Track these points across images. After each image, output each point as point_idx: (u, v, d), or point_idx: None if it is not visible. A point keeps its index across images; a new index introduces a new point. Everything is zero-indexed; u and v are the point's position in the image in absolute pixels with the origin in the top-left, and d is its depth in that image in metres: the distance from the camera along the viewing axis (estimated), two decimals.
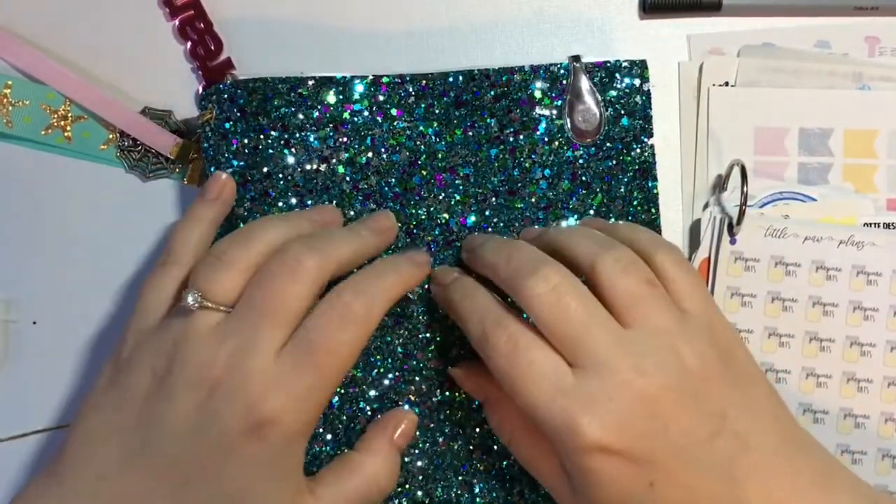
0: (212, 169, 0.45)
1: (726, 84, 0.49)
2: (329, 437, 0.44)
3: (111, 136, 0.48)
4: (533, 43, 0.49)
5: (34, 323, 0.48)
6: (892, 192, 0.48)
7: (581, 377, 0.36)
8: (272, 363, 0.37)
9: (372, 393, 0.44)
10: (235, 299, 0.38)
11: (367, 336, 0.39)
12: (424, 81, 0.45)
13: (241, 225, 0.44)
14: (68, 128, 0.48)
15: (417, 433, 0.44)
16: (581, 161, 0.46)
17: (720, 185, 0.48)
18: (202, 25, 0.48)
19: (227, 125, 0.45)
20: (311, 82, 0.45)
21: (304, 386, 0.37)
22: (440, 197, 0.45)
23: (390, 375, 0.44)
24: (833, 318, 0.47)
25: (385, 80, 0.45)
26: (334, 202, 0.45)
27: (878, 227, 0.48)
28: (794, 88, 0.48)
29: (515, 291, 0.38)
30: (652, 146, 0.46)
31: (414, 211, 0.45)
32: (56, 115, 0.48)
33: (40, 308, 0.49)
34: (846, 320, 0.47)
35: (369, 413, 0.44)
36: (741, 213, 0.46)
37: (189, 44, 0.48)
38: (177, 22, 0.49)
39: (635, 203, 0.46)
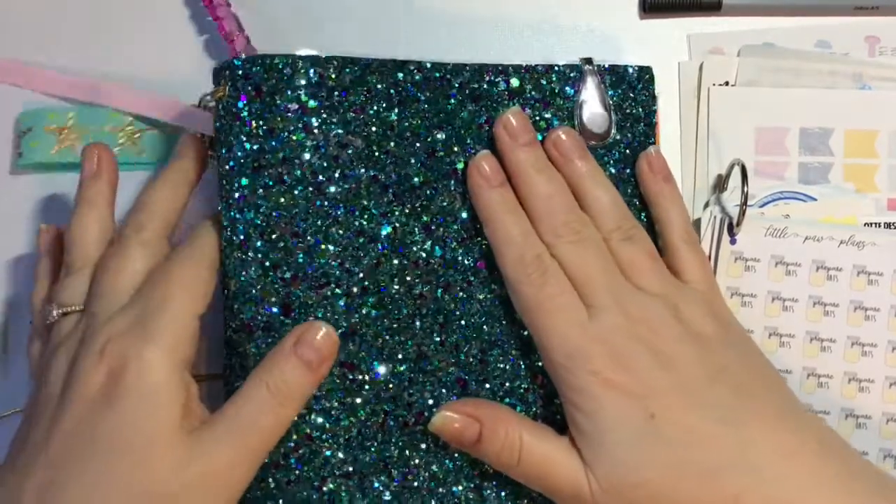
0: (223, 151, 0.42)
1: (726, 84, 0.49)
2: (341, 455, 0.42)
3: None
4: (533, 43, 0.49)
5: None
6: (893, 192, 0.48)
7: (594, 316, 0.40)
8: (117, 313, 0.39)
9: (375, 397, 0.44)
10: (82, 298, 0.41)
11: (157, 249, 0.42)
12: (440, 73, 0.45)
13: (250, 214, 0.42)
14: (138, 142, 0.49)
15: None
16: None
17: (720, 184, 0.48)
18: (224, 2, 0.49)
19: (240, 104, 0.42)
20: (333, 62, 0.43)
21: (151, 308, 0.39)
22: (452, 189, 0.44)
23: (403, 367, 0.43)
24: (834, 318, 0.47)
25: (402, 65, 0.44)
26: (350, 190, 0.43)
27: (879, 226, 0.48)
28: (795, 88, 0.48)
29: (547, 228, 0.42)
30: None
31: (429, 203, 0.44)
32: (123, 134, 0.49)
33: None
34: (847, 320, 0.47)
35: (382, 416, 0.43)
36: (741, 213, 0.46)
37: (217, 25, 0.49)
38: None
39: (639, 205, 0.46)
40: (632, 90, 0.46)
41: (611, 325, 0.40)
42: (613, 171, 0.46)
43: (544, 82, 0.46)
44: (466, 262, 0.44)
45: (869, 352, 0.47)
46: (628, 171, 0.46)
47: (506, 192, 0.43)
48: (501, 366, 0.44)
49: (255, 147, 0.42)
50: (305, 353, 0.39)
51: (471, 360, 0.44)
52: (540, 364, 0.43)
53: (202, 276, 0.41)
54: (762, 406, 0.39)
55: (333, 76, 0.43)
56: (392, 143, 0.44)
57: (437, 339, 0.43)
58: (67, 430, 0.37)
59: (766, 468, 0.37)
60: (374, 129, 0.44)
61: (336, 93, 0.43)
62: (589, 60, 0.46)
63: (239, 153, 0.42)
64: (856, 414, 0.46)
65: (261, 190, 0.42)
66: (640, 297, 0.41)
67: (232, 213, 0.42)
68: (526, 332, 0.43)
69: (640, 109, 0.46)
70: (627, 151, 0.46)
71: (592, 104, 0.46)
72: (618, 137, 0.46)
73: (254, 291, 0.41)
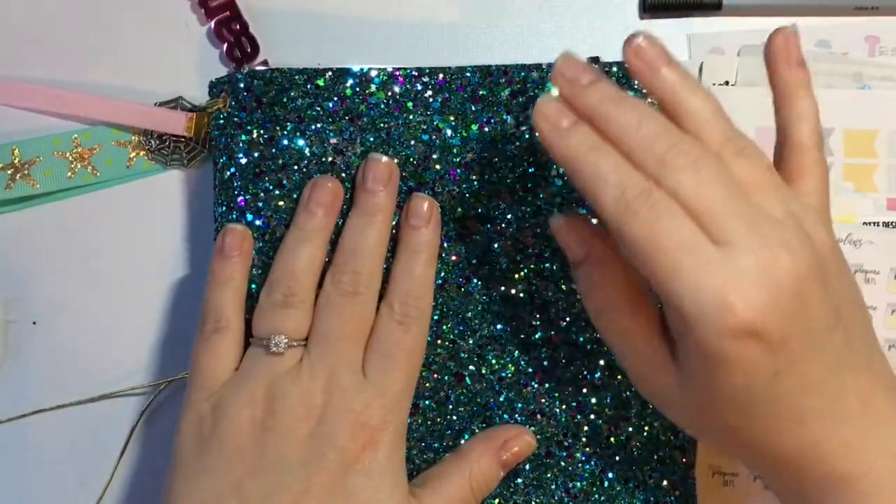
0: (223, 159, 0.45)
1: (726, 84, 0.49)
2: None
3: (132, 154, 0.48)
4: (533, 43, 0.49)
5: (34, 323, 0.48)
6: (892, 192, 0.48)
7: (728, 252, 0.34)
8: (363, 378, 0.41)
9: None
10: (307, 332, 0.42)
11: (427, 325, 0.43)
12: (441, 75, 0.45)
13: (250, 217, 0.44)
14: (89, 163, 0.48)
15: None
16: None
17: None
18: (238, 27, 0.49)
19: (242, 115, 0.45)
20: (328, 74, 0.45)
21: (397, 389, 0.41)
22: (454, 192, 0.45)
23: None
24: None
25: (402, 73, 0.45)
26: (348, 195, 0.44)
27: (877, 225, 0.48)
28: None
29: (649, 159, 0.35)
30: None
31: None
32: (73, 156, 0.48)
33: (40, 308, 0.49)
34: None
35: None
36: None
37: (225, 46, 0.48)
38: (212, 24, 0.49)
39: None
40: (639, 87, 0.46)
41: (751, 262, 0.33)
42: None
43: (549, 82, 0.46)
44: (463, 261, 0.45)
45: None
46: None
47: (583, 129, 0.36)
48: (500, 362, 0.45)
49: (255, 155, 0.45)
50: (509, 460, 0.43)
51: (468, 354, 0.45)
52: (545, 363, 0.44)
53: (422, 352, 0.43)
54: (858, 350, 0.37)
55: (330, 86, 0.45)
56: (387, 148, 0.45)
57: (435, 334, 0.45)
58: (324, 483, 0.39)
59: (850, 416, 0.36)
60: (370, 136, 0.45)
61: (333, 102, 0.45)
62: (596, 59, 0.46)
63: (242, 161, 0.45)
64: None
65: (262, 194, 0.44)
66: (773, 223, 0.35)
67: (233, 216, 0.44)
68: (525, 333, 0.44)
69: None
70: None
71: None
72: None
73: (255, 290, 0.44)
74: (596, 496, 0.45)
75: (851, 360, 0.36)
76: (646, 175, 0.35)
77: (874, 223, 0.48)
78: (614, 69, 0.46)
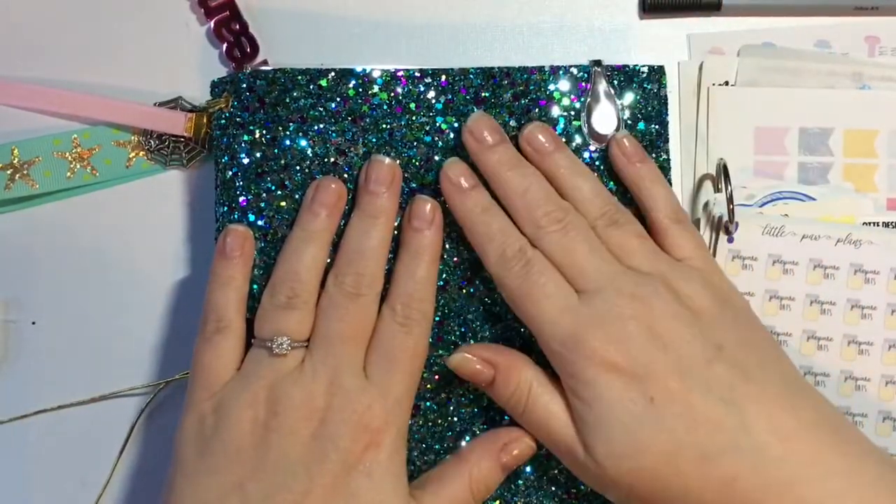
0: (224, 159, 0.45)
1: (726, 84, 0.49)
2: None
3: (132, 154, 0.48)
4: (533, 43, 0.49)
5: (34, 323, 0.48)
6: (892, 192, 0.48)
7: (585, 300, 0.40)
8: (365, 379, 0.41)
9: None
10: (309, 333, 0.42)
11: (430, 327, 0.43)
12: (444, 77, 0.45)
13: (252, 217, 0.44)
14: (88, 163, 0.48)
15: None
16: (598, 162, 0.46)
17: (714, 184, 0.48)
18: (238, 27, 0.48)
19: (245, 115, 0.45)
20: (330, 74, 0.45)
21: (398, 391, 0.41)
22: None
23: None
24: (831, 316, 0.47)
25: (404, 74, 0.45)
26: (350, 196, 0.44)
27: (878, 225, 0.48)
28: (794, 88, 0.48)
29: (527, 222, 0.42)
30: (667, 150, 0.46)
31: None
32: (72, 156, 0.48)
33: (40, 308, 0.49)
34: (844, 319, 0.47)
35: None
36: (730, 212, 0.46)
37: (225, 46, 0.48)
38: (212, 24, 0.49)
39: None
40: (642, 90, 0.46)
41: (603, 307, 0.39)
42: None
43: (551, 84, 0.46)
44: (465, 263, 0.45)
45: (865, 350, 0.47)
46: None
47: (478, 193, 0.43)
48: None
49: (258, 155, 0.45)
50: (510, 462, 0.43)
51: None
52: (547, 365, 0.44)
53: (424, 354, 0.43)
54: (761, 384, 0.39)
55: (332, 87, 0.45)
56: (390, 149, 0.45)
57: (436, 335, 0.45)
58: (326, 484, 0.39)
59: (763, 449, 0.37)
60: (372, 137, 0.45)
61: (336, 102, 0.45)
62: (598, 62, 0.46)
63: (244, 161, 0.45)
64: (852, 412, 0.47)
65: (264, 194, 0.45)
66: (631, 275, 0.40)
67: (235, 216, 0.44)
68: (526, 334, 0.44)
69: (651, 108, 0.46)
70: None
71: (600, 105, 0.46)
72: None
73: (256, 290, 0.44)
74: (597, 498, 0.45)
75: (751, 395, 0.38)
76: (526, 234, 0.42)
77: (874, 223, 0.48)
78: (615, 72, 0.46)
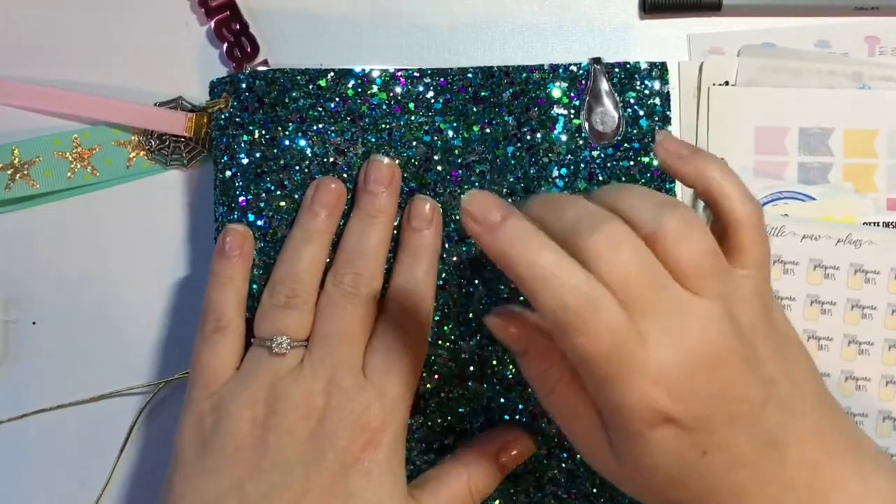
0: (224, 159, 0.45)
1: (726, 84, 0.49)
2: None
3: (132, 154, 0.48)
4: (533, 43, 0.49)
5: (34, 323, 0.48)
6: (892, 192, 0.48)
7: (645, 347, 0.33)
8: (364, 379, 0.41)
9: None
10: (309, 333, 0.42)
11: (429, 326, 0.43)
12: (443, 77, 0.45)
13: (251, 217, 0.44)
14: (89, 163, 0.48)
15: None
16: (598, 161, 0.46)
17: None
18: (238, 27, 0.48)
19: (244, 115, 0.45)
20: (330, 75, 0.45)
21: (397, 390, 0.41)
22: (455, 193, 0.45)
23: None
24: (831, 316, 0.47)
25: (403, 74, 0.45)
26: (349, 196, 0.45)
27: (878, 225, 0.48)
28: (794, 88, 0.48)
29: (575, 248, 0.34)
30: None
31: None
32: (72, 157, 0.48)
33: (40, 308, 0.49)
34: (844, 319, 0.47)
35: None
36: None
37: (225, 46, 0.48)
38: (212, 24, 0.49)
39: None
40: (643, 87, 0.46)
41: (664, 360, 0.33)
42: (623, 167, 0.46)
43: (550, 83, 0.46)
44: (464, 262, 0.45)
45: (865, 350, 0.47)
46: (639, 168, 0.46)
47: (517, 220, 0.34)
48: (502, 363, 0.45)
49: (257, 155, 0.45)
50: (509, 463, 0.43)
51: (469, 355, 0.45)
52: None
53: (423, 353, 0.43)
54: (800, 414, 0.36)
55: (332, 87, 0.45)
56: (389, 149, 0.45)
57: (436, 335, 0.45)
58: (325, 483, 0.39)
59: (792, 483, 0.35)
60: (372, 137, 0.45)
61: (335, 102, 0.45)
62: (598, 60, 0.46)
63: (244, 161, 0.45)
64: (852, 412, 0.47)
65: (263, 194, 0.45)
66: (696, 306, 0.34)
67: (234, 216, 0.45)
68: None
69: (652, 105, 0.46)
70: (638, 148, 0.46)
71: (600, 104, 0.46)
72: (628, 135, 0.46)
73: (256, 290, 0.44)
74: (597, 498, 0.45)
75: (793, 433, 0.35)
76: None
77: (874, 223, 0.48)
78: (616, 70, 0.46)
